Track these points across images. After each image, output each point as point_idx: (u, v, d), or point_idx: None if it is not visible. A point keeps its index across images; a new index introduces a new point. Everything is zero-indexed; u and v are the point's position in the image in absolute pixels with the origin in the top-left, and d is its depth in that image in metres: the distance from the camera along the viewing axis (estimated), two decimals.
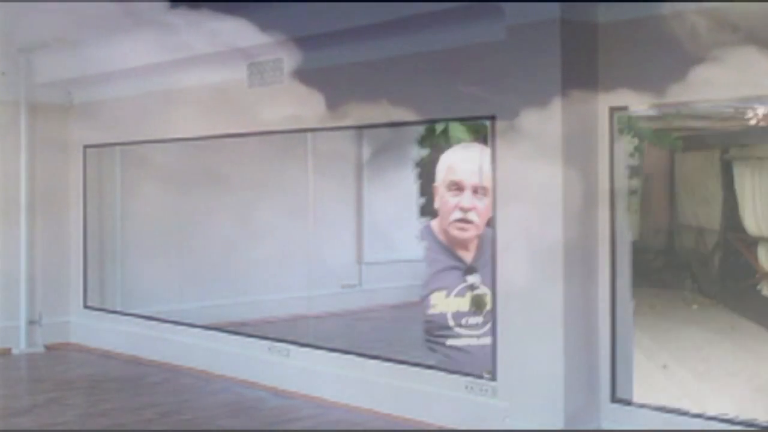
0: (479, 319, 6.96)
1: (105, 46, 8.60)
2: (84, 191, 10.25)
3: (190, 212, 9.79)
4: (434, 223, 7.40)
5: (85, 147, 10.20)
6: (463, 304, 7.09)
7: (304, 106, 7.87)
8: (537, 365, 6.04)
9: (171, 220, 9.85)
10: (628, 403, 5.95)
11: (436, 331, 7.15)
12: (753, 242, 11.89)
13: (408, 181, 8.92)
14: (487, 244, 6.81)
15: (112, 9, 7.21)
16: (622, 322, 6.02)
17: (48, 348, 9.94)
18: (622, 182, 6.03)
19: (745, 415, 6.26)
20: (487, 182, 6.73)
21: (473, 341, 7.00)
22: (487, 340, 6.65)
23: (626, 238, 6.03)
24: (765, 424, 5.43)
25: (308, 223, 8.54)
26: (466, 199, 7.12)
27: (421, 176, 8.61)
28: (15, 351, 9.75)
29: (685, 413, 5.70)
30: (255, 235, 9.35)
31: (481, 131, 6.97)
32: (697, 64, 5.57)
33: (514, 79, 6.15)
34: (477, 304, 6.97)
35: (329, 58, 7.56)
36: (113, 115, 9.80)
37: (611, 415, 6.01)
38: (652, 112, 5.93)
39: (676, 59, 5.63)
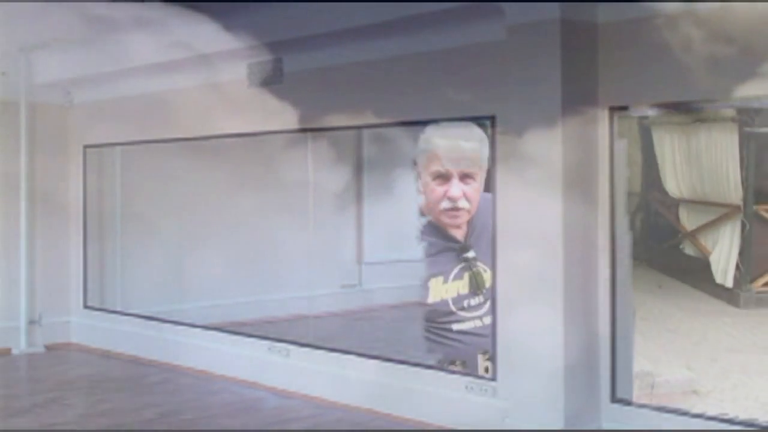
0: (480, 299, 6.84)
1: (105, 46, 8.61)
2: (84, 191, 10.26)
3: (192, 212, 9.79)
4: (421, 204, 7.25)
5: (85, 147, 10.21)
6: (462, 286, 6.96)
7: (302, 106, 7.87)
8: (537, 365, 6.04)
9: (173, 219, 9.85)
10: (628, 403, 5.95)
11: (439, 318, 7.00)
12: (674, 204, 12.19)
13: (408, 181, 8.92)
14: (477, 218, 6.75)
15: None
16: (623, 322, 6.02)
17: (48, 348, 9.94)
18: (623, 180, 6.03)
19: (693, 368, 6.33)
20: (475, 166, 6.69)
21: (478, 323, 6.89)
22: (491, 319, 6.58)
23: (626, 237, 6.03)
24: (765, 424, 5.43)
25: (308, 224, 8.54)
26: (455, 188, 6.92)
27: (420, 176, 8.59)
28: (15, 351, 9.75)
29: (685, 413, 5.70)
30: (256, 235, 9.35)
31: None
32: (697, 63, 5.57)
33: (514, 80, 6.15)
34: (476, 284, 6.86)
35: (328, 58, 7.56)
36: (113, 115, 9.80)
37: (611, 415, 6.01)
38: (651, 112, 5.93)
39: (676, 59, 5.63)
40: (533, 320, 6.06)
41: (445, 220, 7.05)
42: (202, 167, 9.55)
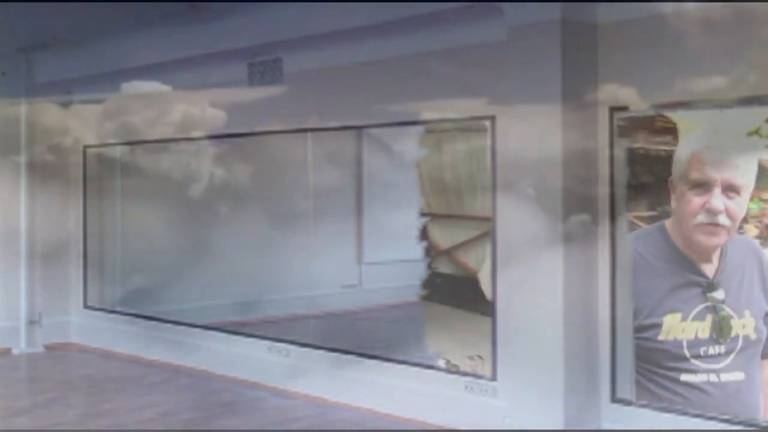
0: (721, 349, 5.78)
1: (105, 45, 8.62)
2: (84, 191, 10.26)
3: (192, 213, 9.78)
4: (669, 224, 6.02)
5: (85, 147, 10.21)
6: (703, 329, 5.83)
7: (303, 106, 7.87)
8: (537, 365, 6.04)
9: (172, 221, 9.84)
10: (628, 403, 5.95)
11: (667, 362, 5.94)
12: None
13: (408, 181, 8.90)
14: (733, 252, 5.79)
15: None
16: (622, 323, 6.02)
17: (48, 348, 9.94)
18: (622, 181, 6.03)
19: None
20: (745, 177, 5.61)
21: (713, 377, 5.80)
22: (730, 376, 5.68)
23: (627, 237, 6.02)
24: (765, 425, 5.43)
25: (309, 223, 8.53)
26: (716, 199, 5.71)
27: (421, 176, 8.56)
28: (15, 351, 9.75)
29: (685, 413, 5.70)
30: (256, 234, 9.34)
31: None
32: (697, 64, 5.57)
33: (514, 80, 6.15)
34: (721, 331, 5.77)
35: (329, 58, 7.57)
36: (113, 115, 9.79)
37: (611, 415, 6.01)
38: (651, 112, 5.93)
39: (676, 59, 5.64)
40: (533, 320, 6.06)
41: (699, 237, 5.85)
42: (201, 167, 9.54)
